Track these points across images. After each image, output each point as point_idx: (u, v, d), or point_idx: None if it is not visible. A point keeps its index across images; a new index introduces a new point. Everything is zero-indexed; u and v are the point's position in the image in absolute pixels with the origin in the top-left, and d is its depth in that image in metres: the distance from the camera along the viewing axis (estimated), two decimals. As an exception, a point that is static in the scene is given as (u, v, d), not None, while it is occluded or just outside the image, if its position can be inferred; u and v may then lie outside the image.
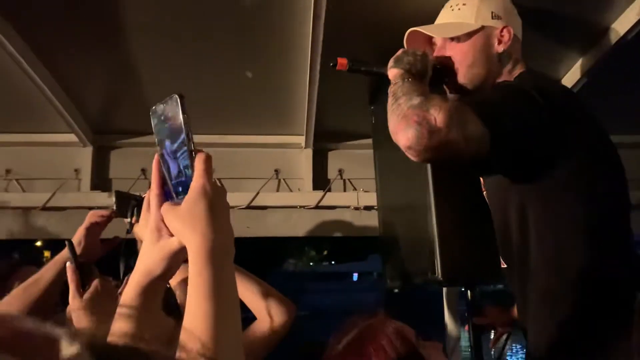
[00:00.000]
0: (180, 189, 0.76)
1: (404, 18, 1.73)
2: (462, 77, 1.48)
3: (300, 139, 2.66)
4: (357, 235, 2.63)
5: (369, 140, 2.41)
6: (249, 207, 2.55)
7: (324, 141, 2.69)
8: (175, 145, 0.76)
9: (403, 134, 1.22)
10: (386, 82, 2.14)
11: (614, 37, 1.92)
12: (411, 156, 1.24)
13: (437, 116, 1.19)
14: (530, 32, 1.65)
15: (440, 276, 1.62)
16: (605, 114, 1.44)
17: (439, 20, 1.57)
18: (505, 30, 1.47)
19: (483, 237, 1.81)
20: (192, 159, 0.74)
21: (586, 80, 2.17)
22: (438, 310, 2.59)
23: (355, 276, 34.04)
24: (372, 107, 2.28)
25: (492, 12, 1.47)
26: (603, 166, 1.35)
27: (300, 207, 2.62)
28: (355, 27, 1.86)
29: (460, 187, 1.83)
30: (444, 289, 2.50)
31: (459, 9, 1.50)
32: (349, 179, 2.72)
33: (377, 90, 2.22)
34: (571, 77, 2.21)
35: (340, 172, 2.73)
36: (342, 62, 1.54)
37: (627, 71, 2.17)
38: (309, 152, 2.68)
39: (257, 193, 2.56)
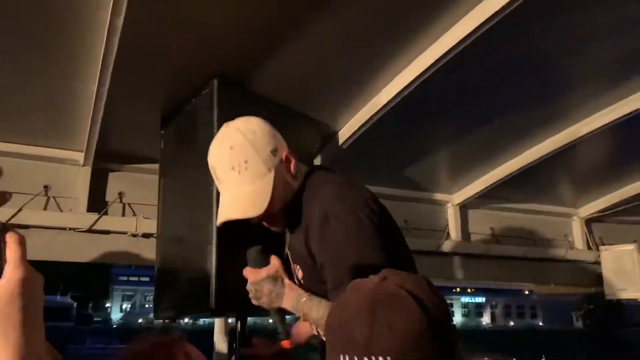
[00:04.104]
0: None
1: (197, 45, 1.78)
2: (278, 209, 1.52)
3: (79, 156, 2.46)
4: (133, 263, 2.51)
5: (156, 165, 2.35)
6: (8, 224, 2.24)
7: (105, 161, 2.53)
8: None
9: None
10: (180, 110, 2.14)
11: (340, 140, 2.46)
12: None
13: None
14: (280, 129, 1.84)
15: (213, 305, 1.64)
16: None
17: (233, 187, 1.50)
18: (285, 156, 1.51)
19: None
20: None
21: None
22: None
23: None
24: (163, 132, 2.24)
25: (270, 151, 1.49)
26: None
27: (71, 229, 2.40)
28: (150, 45, 1.82)
29: (242, 222, 1.90)
30: (216, 320, 2.51)
31: (246, 169, 1.47)
32: (129, 204, 2.59)
33: (169, 115, 2.20)
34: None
35: (121, 195, 2.58)
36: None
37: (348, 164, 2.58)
38: (87, 171, 2.49)
39: (20, 209, 2.28)
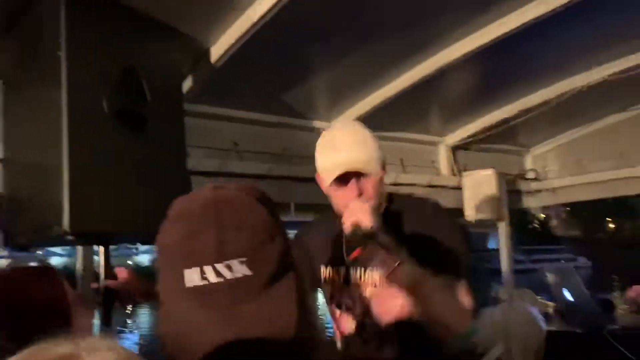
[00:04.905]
0: None
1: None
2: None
3: None
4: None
5: (-1, 82, 2.06)
6: None
7: None
8: None
9: None
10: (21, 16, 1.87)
11: (213, 58, 2.36)
12: None
13: None
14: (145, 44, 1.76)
15: (68, 229, 1.50)
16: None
17: (363, 147, 1.55)
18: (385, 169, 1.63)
19: (124, 197, 1.78)
20: None
21: (200, 89, 2.50)
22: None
23: None
24: (3, 43, 1.95)
25: (383, 161, 1.59)
26: None
27: None
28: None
29: (100, 144, 1.74)
30: (79, 249, 2.34)
31: (375, 150, 1.57)
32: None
33: (9, 22, 1.92)
34: (185, 86, 2.43)
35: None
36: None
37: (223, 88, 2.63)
38: None
39: None
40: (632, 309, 2.45)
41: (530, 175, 4.54)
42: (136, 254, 25.04)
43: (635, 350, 2.09)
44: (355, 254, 1.33)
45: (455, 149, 4.08)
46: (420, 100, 3.25)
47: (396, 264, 1.31)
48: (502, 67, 3.02)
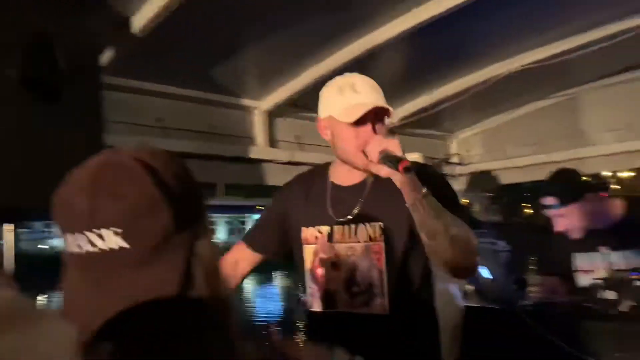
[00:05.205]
0: None
1: None
2: None
3: None
4: None
5: None
6: None
7: None
8: None
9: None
10: None
11: (135, 28, 2.25)
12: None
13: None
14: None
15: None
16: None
17: (379, 92, 1.64)
18: None
19: (33, 171, 1.67)
20: None
21: (123, 62, 2.43)
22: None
23: None
24: None
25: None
26: None
27: None
28: None
29: (7, 115, 1.63)
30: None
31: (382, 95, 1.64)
32: None
33: None
34: (106, 57, 2.32)
35: None
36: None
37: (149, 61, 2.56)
38: None
39: None
40: (540, 291, 2.62)
41: (455, 159, 4.70)
42: (49, 237, 23.71)
43: (543, 323, 2.23)
44: (404, 163, 1.38)
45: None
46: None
47: (424, 190, 1.43)
48: (429, 52, 3.08)
